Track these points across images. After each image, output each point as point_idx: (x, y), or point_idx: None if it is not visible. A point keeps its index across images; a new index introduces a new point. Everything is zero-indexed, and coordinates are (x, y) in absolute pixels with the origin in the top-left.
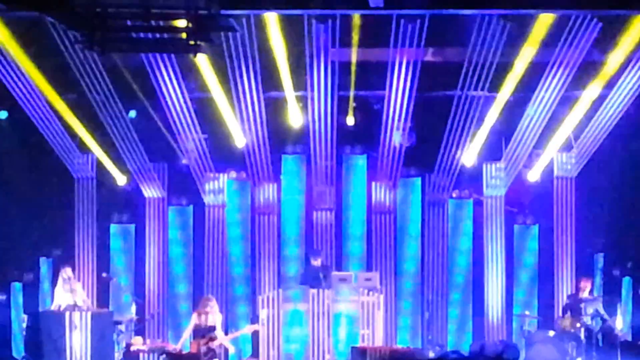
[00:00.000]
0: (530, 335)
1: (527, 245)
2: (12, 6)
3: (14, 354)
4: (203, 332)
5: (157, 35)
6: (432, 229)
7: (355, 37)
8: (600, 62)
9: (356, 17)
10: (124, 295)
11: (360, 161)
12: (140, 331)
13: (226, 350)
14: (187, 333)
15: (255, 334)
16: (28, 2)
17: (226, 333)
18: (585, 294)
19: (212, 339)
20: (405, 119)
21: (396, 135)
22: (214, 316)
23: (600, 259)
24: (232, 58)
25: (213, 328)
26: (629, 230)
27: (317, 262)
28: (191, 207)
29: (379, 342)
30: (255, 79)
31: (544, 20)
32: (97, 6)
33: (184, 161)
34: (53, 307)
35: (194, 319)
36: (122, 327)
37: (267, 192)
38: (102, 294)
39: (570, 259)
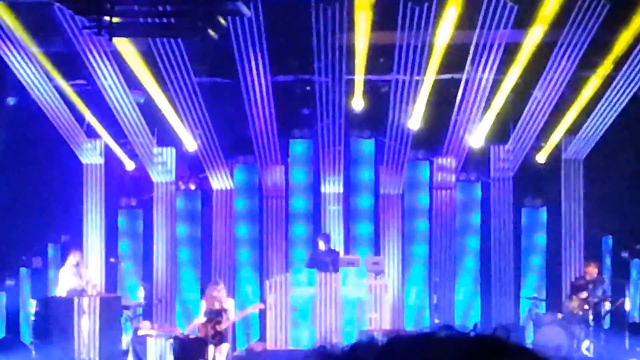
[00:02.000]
0: (538, 318)
1: (535, 227)
2: None
3: (23, 339)
4: (212, 317)
5: (165, 20)
6: (439, 212)
7: (363, 20)
8: (609, 42)
9: (364, 0)
10: (131, 280)
11: (367, 145)
12: (148, 316)
13: (234, 335)
14: (198, 320)
15: (262, 316)
16: None
17: None
18: (592, 277)
19: (219, 323)
20: (414, 103)
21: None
22: (222, 300)
23: (608, 241)
24: (239, 42)
25: (222, 312)
26: (638, 212)
27: (325, 247)
28: (199, 191)
29: (386, 325)
30: (263, 63)
31: (552, 1)
32: None
33: (191, 148)
34: (58, 291)
35: (203, 306)
36: (130, 312)
37: (275, 176)
38: (110, 278)
39: (579, 242)
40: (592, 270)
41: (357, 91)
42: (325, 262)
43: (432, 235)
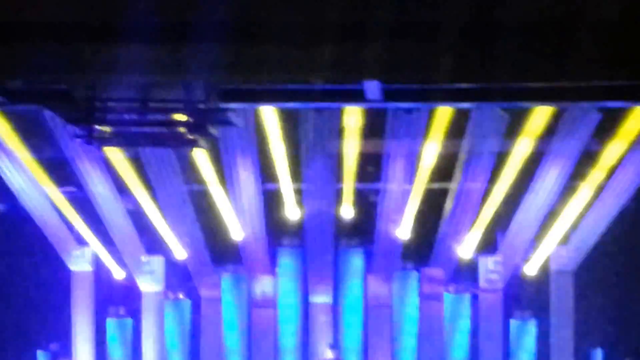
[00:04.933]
0: None
1: (524, 340)
2: (12, 99)
3: None
4: None
5: (156, 130)
6: (428, 323)
7: (352, 129)
8: (598, 152)
9: (354, 110)
10: None
11: (356, 254)
12: None
13: None
14: None
15: None
16: (27, 95)
17: None
18: None
19: None
20: (403, 212)
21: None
22: None
23: (598, 355)
24: (228, 150)
25: None
26: (628, 324)
27: (334, 356)
28: (188, 301)
29: None
30: (252, 171)
31: (542, 112)
32: (95, 100)
33: (180, 257)
34: None
35: None
36: None
37: (264, 285)
38: None
39: (569, 354)
40: None
41: (346, 199)
42: None
43: (421, 346)
